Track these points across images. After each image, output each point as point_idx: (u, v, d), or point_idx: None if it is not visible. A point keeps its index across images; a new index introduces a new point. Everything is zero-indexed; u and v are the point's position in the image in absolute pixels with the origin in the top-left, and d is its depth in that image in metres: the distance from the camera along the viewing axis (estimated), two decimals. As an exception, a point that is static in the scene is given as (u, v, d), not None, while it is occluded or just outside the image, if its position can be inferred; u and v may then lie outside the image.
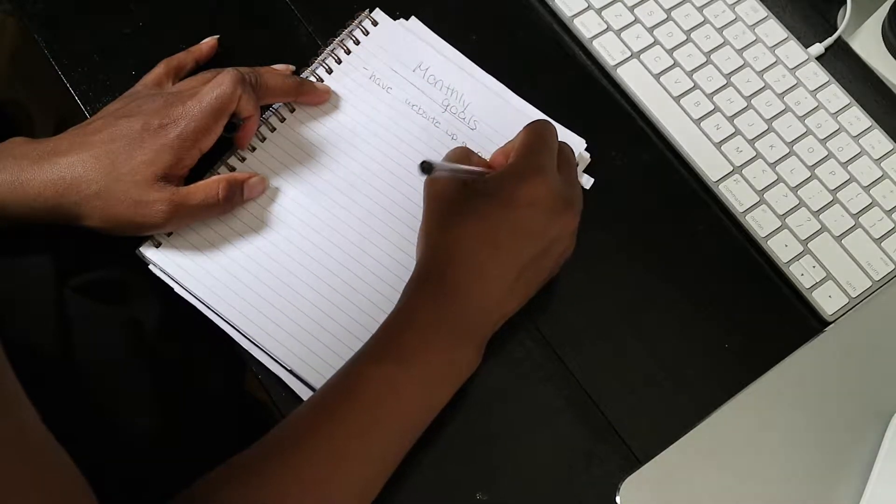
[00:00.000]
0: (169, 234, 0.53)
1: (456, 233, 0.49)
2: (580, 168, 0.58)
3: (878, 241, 0.58)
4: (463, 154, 0.52)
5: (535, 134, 0.51)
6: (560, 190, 0.50)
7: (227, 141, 0.54)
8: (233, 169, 0.55)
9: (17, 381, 0.35)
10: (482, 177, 0.50)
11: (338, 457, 0.45)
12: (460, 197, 0.50)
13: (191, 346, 0.60)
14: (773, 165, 0.59)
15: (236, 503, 0.42)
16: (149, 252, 0.53)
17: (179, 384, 0.57)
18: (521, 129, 0.53)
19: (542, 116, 0.58)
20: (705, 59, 0.62)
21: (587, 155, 0.58)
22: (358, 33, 0.59)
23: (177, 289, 0.53)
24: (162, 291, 0.53)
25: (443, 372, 0.48)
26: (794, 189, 0.59)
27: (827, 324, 0.56)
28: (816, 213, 0.58)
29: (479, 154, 0.54)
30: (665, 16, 0.63)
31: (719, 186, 0.59)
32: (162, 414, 0.55)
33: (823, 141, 0.60)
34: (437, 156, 0.56)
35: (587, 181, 0.58)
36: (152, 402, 0.56)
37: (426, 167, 0.41)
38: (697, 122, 0.60)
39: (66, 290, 0.57)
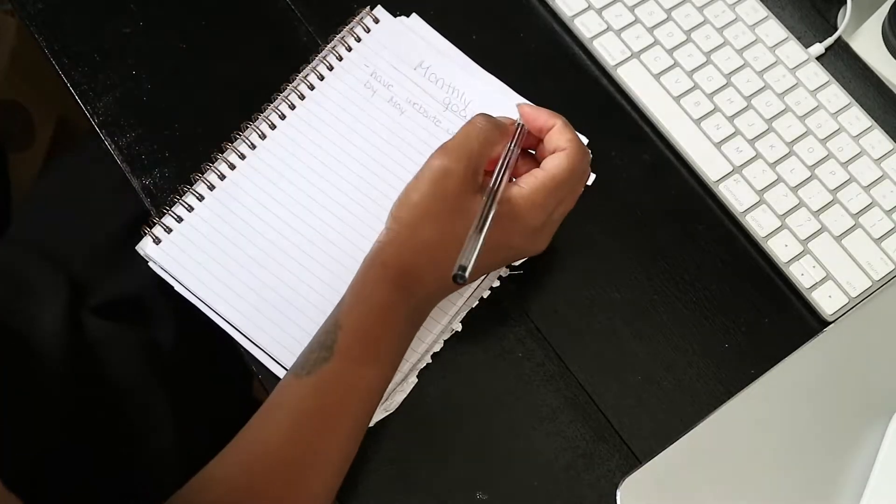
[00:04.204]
0: (169, 232, 0.53)
1: (443, 229, 0.46)
2: None
3: (878, 241, 0.58)
4: (486, 142, 0.47)
5: (582, 158, 0.49)
6: (557, 220, 0.50)
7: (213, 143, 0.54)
8: (233, 166, 0.55)
9: None
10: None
11: (321, 461, 0.45)
12: (462, 194, 0.46)
13: (207, 361, 0.61)
14: (773, 165, 0.59)
15: None
16: (148, 249, 0.53)
17: (196, 401, 0.57)
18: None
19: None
20: (705, 59, 0.62)
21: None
22: (359, 31, 0.59)
23: (177, 286, 0.53)
24: (179, 309, 0.53)
25: (405, 352, 0.49)
26: (794, 189, 0.59)
27: (827, 324, 0.56)
28: (816, 213, 0.58)
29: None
30: (665, 16, 0.63)
31: (719, 186, 0.59)
32: (179, 431, 0.55)
33: (823, 141, 0.60)
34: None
35: (588, 178, 0.58)
36: (170, 421, 0.56)
37: (458, 276, 0.40)
38: (697, 122, 0.60)
39: (84, 311, 0.57)
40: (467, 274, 0.40)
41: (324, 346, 0.45)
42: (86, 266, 0.59)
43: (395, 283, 0.46)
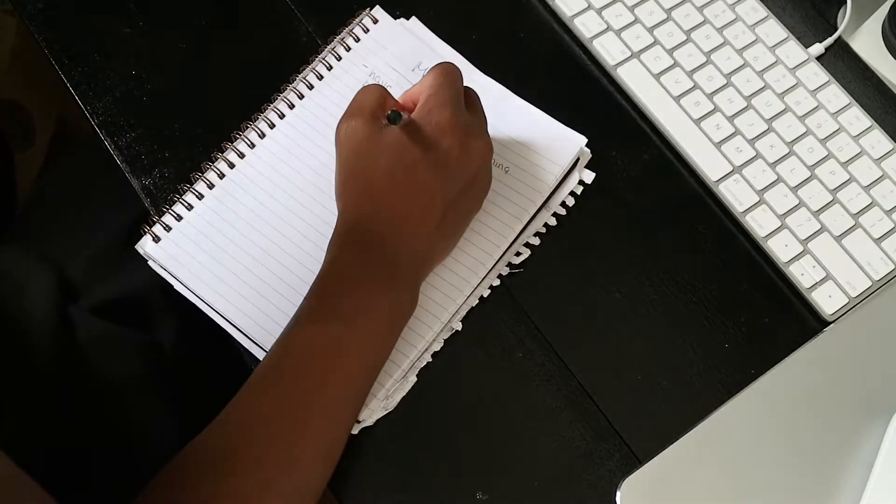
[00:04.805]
0: (168, 230, 0.53)
1: (374, 176, 0.47)
2: (581, 163, 0.58)
3: (878, 241, 0.58)
4: (378, 95, 0.50)
5: (442, 72, 0.50)
6: (472, 121, 0.50)
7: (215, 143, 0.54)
8: (233, 165, 0.55)
9: None
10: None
11: (299, 427, 0.45)
12: (373, 135, 0.48)
13: (207, 361, 0.61)
14: (773, 165, 0.59)
15: (209, 494, 0.42)
16: (147, 247, 0.53)
17: (195, 401, 0.57)
18: (520, 127, 0.53)
19: (543, 115, 0.58)
20: (705, 59, 0.62)
21: (588, 151, 0.58)
22: (358, 31, 0.59)
23: (176, 285, 0.53)
24: (179, 309, 0.53)
25: (383, 321, 0.48)
26: (794, 189, 0.59)
27: (827, 324, 0.56)
28: (816, 213, 0.58)
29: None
30: (665, 16, 0.63)
31: (719, 186, 0.59)
32: (179, 430, 0.55)
33: (823, 141, 0.60)
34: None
35: (588, 176, 0.58)
36: (170, 420, 0.56)
37: (393, 117, 0.44)
38: (697, 122, 0.60)
39: (82, 310, 0.57)
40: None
41: (294, 318, 0.47)
42: (84, 266, 0.60)
43: (346, 241, 0.48)
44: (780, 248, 0.57)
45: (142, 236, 0.54)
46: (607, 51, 0.61)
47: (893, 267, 0.57)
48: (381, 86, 0.50)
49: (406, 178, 0.47)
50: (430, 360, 0.53)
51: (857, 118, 0.61)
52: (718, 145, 0.60)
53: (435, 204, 0.48)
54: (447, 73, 0.50)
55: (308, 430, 0.45)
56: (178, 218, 0.54)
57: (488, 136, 0.50)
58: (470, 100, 0.52)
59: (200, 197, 0.54)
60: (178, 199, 0.54)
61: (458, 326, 0.54)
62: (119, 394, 0.56)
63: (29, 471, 0.40)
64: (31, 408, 0.51)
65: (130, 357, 0.57)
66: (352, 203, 0.48)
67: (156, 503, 0.42)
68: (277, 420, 0.44)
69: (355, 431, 0.51)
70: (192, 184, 0.55)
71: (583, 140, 0.57)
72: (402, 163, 0.47)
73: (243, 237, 0.54)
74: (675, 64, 0.61)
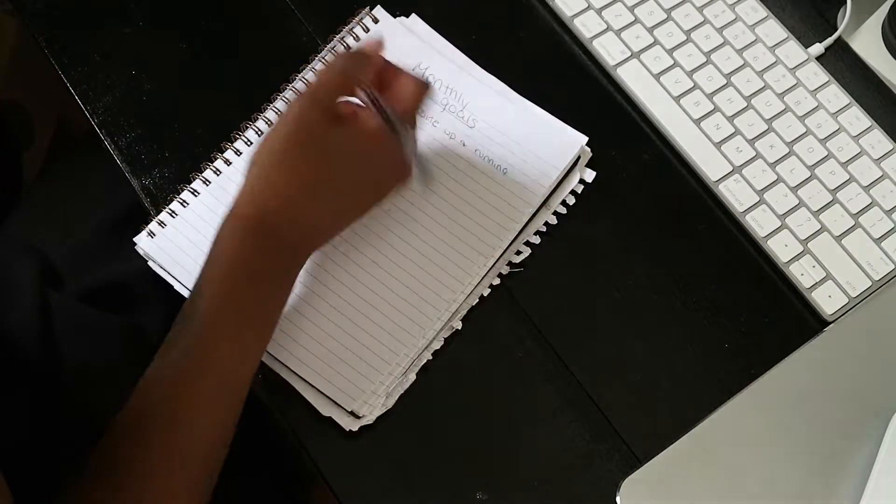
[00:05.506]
0: (163, 226, 0.53)
1: (305, 170, 0.46)
2: (582, 162, 0.58)
3: (878, 241, 0.58)
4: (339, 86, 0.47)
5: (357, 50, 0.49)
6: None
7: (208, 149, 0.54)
8: (230, 163, 0.55)
9: None
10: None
11: (198, 430, 0.44)
12: (325, 133, 0.47)
13: None
14: (773, 165, 0.59)
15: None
16: (142, 243, 0.53)
17: None
18: (521, 125, 0.52)
19: (543, 114, 0.58)
20: (705, 59, 0.62)
21: (588, 150, 0.58)
22: (358, 30, 0.59)
23: (176, 285, 0.53)
24: (167, 296, 0.53)
25: (280, 303, 0.47)
26: (794, 189, 0.59)
27: (827, 324, 0.56)
28: (816, 213, 0.58)
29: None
30: (665, 16, 0.63)
31: (719, 186, 0.59)
32: None
33: (823, 141, 0.60)
34: (437, 160, 0.56)
35: (590, 175, 0.58)
36: None
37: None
38: (697, 122, 0.60)
39: (63, 296, 0.57)
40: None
41: (184, 316, 0.45)
42: (70, 254, 0.60)
43: (248, 233, 0.45)
44: (780, 248, 0.57)
45: (132, 226, 0.54)
46: (607, 51, 0.61)
47: (893, 267, 0.57)
48: (341, 62, 0.48)
49: (291, 148, 0.45)
50: (430, 358, 0.53)
51: (857, 118, 0.61)
52: (718, 145, 0.60)
53: (318, 172, 0.46)
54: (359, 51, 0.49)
55: (206, 435, 0.44)
56: (173, 214, 0.54)
57: (386, 125, 0.48)
58: (398, 84, 0.49)
59: (196, 194, 0.55)
60: (176, 197, 0.55)
61: (459, 325, 0.54)
62: (102, 378, 0.56)
63: (7, 456, 0.40)
64: (9, 393, 0.51)
65: (115, 341, 0.57)
66: (262, 177, 0.46)
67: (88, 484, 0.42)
68: (176, 439, 0.44)
69: (355, 428, 0.51)
70: (190, 183, 0.55)
71: (583, 138, 0.57)
72: (295, 135, 0.46)
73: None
74: (675, 64, 0.61)
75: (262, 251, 0.45)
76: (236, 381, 0.46)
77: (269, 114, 0.56)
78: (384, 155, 0.49)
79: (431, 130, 0.57)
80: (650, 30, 0.62)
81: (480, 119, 0.57)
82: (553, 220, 0.57)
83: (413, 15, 0.61)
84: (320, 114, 0.46)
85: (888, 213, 0.59)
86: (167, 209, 0.54)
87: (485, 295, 0.55)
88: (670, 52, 0.62)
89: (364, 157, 0.48)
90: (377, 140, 0.47)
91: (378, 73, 0.49)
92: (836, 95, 0.61)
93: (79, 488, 0.42)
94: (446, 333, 0.54)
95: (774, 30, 0.63)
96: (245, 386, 0.46)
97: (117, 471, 0.43)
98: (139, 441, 0.43)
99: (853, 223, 0.58)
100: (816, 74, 0.62)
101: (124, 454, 0.43)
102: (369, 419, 0.51)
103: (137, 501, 0.42)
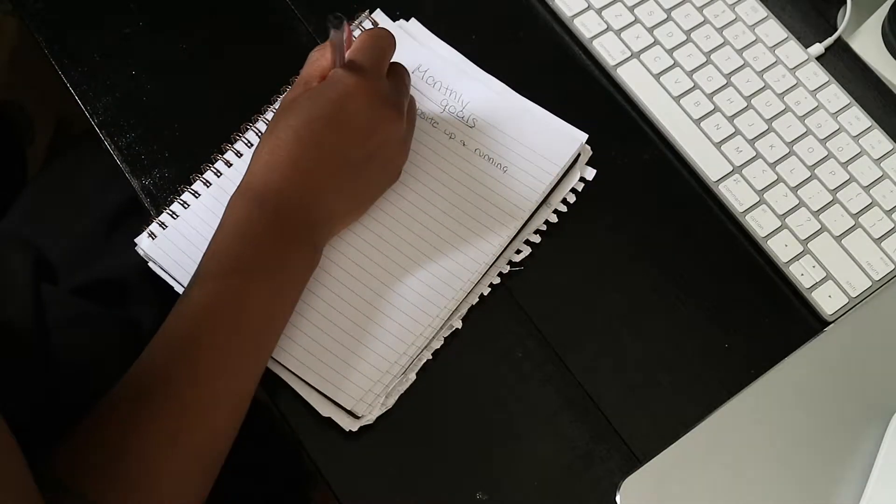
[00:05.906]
0: (164, 228, 0.53)
1: (282, 136, 0.48)
2: (582, 160, 0.58)
3: (878, 241, 0.58)
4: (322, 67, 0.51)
5: (369, 36, 0.51)
6: (385, 89, 0.50)
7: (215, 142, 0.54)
8: (230, 164, 0.55)
9: None
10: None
11: (202, 381, 0.45)
12: (294, 100, 0.49)
13: None
14: (773, 165, 0.59)
15: (113, 454, 0.42)
16: (143, 244, 0.53)
17: None
18: (521, 124, 0.52)
19: (543, 112, 0.58)
20: (705, 59, 0.62)
21: (588, 147, 0.58)
22: (357, 34, 0.59)
23: (176, 286, 0.53)
24: (162, 292, 0.53)
25: (283, 278, 0.48)
26: (794, 189, 0.59)
27: (827, 324, 0.56)
28: (816, 213, 0.58)
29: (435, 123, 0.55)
30: (665, 16, 0.63)
31: (719, 186, 0.59)
32: None
33: (823, 141, 0.60)
34: (436, 159, 0.56)
35: (590, 173, 0.58)
36: None
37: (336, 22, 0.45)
38: (697, 122, 0.60)
39: (57, 290, 0.57)
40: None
41: (194, 276, 0.47)
42: (65, 250, 0.60)
43: (247, 198, 0.47)
44: (780, 248, 0.57)
45: (128, 223, 0.54)
46: (607, 51, 0.61)
47: (893, 267, 0.57)
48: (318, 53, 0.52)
49: (309, 139, 0.48)
50: (430, 358, 0.53)
51: (857, 118, 0.61)
52: (718, 145, 0.60)
53: (335, 167, 0.48)
54: (374, 37, 0.51)
55: (210, 384, 0.45)
56: (174, 216, 0.54)
57: (402, 108, 0.51)
58: (394, 70, 0.52)
59: (197, 195, 0.54)
60: (176, 197, 0.55)
61: (459, 324, 0.54)
62: (96, 371, 0.56)
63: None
64: (5, 385, 0.51)
65: (108, 334, 0.57)
66: (257, 158, 0.48)
67: (67, 459, 0.42)
68: (176, 374, 0.44)
69: (355, 428, 0.51)
70: (190, 184, 0.55)
71: (583, 136, 0.57)
72: (307, 122, 0.48)
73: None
74: (675, 64, 0.61)
75: (261, 211, 0.47)
76: (261, 335, 0.47)
77: (269, 115, 0.56)
78: (399, 136, 0.51)
79: (431, 130, 0.57)
80: (650, 30, 0.62)
81: (480, 119, 0.57)
82: (553, 219, 0.57)
83: (412, 19, 0.61)
84: (295, 90, 0.49)
85: (888, 213, 0.59)
86: (168, 210, 0.54)
87: (485, 294, 0.55)
88: (670, 52, 0.62)
89: (330, 110, 0.49)
90: (402, 122, 0.51)
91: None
92: (836, 95, 0.62)
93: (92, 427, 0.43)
94: (446, 333, 0.54)
95: (774, 30, 0.63)
96: (268, 349, 0.48)
97: (138, 422, 0.43)
98: (155, 398, 0.44)
99: (853, 223, 0.58)
100: (816, 74, 0.62)
101: (138, 411, 0.43)
102: (369, 419, 0.51)
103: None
